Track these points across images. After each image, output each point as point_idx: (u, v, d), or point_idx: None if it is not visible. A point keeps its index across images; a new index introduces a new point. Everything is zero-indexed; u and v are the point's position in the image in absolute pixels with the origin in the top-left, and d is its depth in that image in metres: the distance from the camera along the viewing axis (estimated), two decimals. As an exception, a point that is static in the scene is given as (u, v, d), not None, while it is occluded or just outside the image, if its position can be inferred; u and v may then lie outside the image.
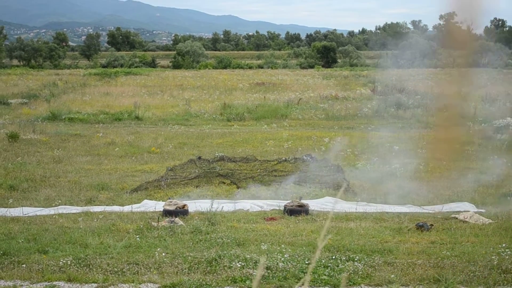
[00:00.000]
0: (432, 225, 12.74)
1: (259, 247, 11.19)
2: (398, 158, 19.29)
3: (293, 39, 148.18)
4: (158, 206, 14.24)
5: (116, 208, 14.31)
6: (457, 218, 13.44)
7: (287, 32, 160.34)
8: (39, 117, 30.57)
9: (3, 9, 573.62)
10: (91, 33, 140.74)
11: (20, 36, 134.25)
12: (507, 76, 53.69)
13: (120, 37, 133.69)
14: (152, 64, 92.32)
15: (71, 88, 47.38)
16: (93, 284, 9.70)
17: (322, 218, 13.47)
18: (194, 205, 14.26)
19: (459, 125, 21.41)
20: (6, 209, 14.12)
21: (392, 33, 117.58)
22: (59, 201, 14.96)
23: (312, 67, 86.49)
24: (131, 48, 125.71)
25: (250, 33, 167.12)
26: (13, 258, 10.66)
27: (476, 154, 21.31)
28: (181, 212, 13.48)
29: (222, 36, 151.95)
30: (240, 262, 10.30)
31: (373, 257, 10.76)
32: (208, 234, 12.02)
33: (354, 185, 16.56)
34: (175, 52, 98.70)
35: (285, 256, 10.60)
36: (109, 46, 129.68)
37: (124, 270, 10.10)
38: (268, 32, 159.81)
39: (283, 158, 19.84)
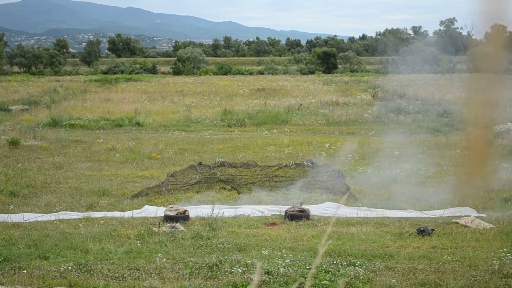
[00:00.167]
0: (433, 230, 12.74)
1: (260, 252, 11.19)
2: (398, 163, 19.29)
3: (293, 45, 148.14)
4: (159, 211, 14.25)
5: (117, 214, 14.31)
6: (458, 223, 13.44)
7: (288, 38, 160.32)
8: (40, 123, 30.58)
9: (4, 16, 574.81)
10: (92, 39, 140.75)
11: (21, 43, 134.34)
12: (508, 81, 53.63)
13: (121, 43, 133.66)
14: (153, 70, 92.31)
15: (72, 94, 47.41)
16: (94, 289, 9.70)
17: (323, 223, 13.48)
18: (195, 211, 14.26)
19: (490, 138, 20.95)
20: (7, 215, 14.13)
21: (392, 38, 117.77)
22: (60, 207, 14.96)
23: (312, 73, 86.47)
24: (132, 55, 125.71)
25: (251, 39, 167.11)
26: (14, 264, 10.66)
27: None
28: (182, 217, 13.48)
29: (222, 42, 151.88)
30: (241, 267, 10.30)
31: (374, 262, 10.75)
32: (209, 239, 12.02)
33: (355, 190, 16.56)
34: (175, 58, 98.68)
35: (286, 261, 10.60)
36: (110, 53, 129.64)
37: (125, 275, 10.10)
38: (268, 38, 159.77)
39: (284, 164, 19.84)
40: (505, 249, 11.26)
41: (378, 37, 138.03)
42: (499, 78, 18.17)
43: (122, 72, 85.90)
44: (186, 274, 10.11)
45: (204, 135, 28.07)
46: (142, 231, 12.57)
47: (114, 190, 16.77)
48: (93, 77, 69.30)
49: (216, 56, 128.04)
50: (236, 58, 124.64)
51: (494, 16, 15.93)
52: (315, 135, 28.02)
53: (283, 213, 14.07)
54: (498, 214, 14.29)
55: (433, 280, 10.01)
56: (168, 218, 13.35)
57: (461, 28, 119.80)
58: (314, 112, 34.95)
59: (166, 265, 10.47)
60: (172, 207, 13.89)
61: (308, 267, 10.35)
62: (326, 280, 9.91)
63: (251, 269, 10.30)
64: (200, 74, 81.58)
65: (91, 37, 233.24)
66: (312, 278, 9.80)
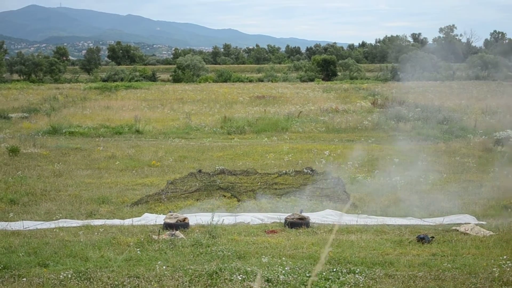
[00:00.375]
0: (433, 237, 12.73)
1: (260, 260, 11.18)
2: (398, 170, 19.30)
3: (293, 52, 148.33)
4: (158, 219, 14.24)
5: (116, 222, 14.30)
6: (458, 230, 13.43)
7: (287, 46, 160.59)
8: (40, 131, 30.60)
9: (4, 23, 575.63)
10: (91, 47, 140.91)
11: (21, 50, 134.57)
12: (507, 89, 53.72)
13: (120, 51, 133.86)
14: (153, 78, 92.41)
15: (72, 102, 47.48)
16: (93, 297, 9.68)
17: (323, 230, 13.46)
18: (195, 218, 14.25)
19: None
20: (7, 223, 14.12)
21: (392, 46, 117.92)
22: (60, 214, 14.96)
23: (312, 80, 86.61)
24: (131, 62, 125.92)
25: (250, 47, 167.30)
26: (14, 271, 10.64)
27: (477, 166, 21.30)
28: (182, 225, 13.47)
29: (222, 49, 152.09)
30: (241, 275, 10.28)
31: (374, 269, 10.74)
32: (208, 247, 12.01)
33: (355, 197, 16.55)
34: (175, 66, 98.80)
35: (286, 268, 10.59)
36: (109, 60, 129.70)
37: (124, 283, 10.09)
38: (268, 45, 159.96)
39: (284, 171, 19.84)
40: (505, 257, 11.25)
41: (378, 44, 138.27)
42: None
43: (122, 79, 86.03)
44: (186, 282, 10.10)
45: (204, 142, 28.08)
46: (142, 239, 12.56)
47: (114, 198, 16.76)
48: (93, 85, 69.43)
49: (215, 64, 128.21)
50: (235, 65, 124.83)
51: None
52: (314, 142, 28.03)
53: (283, 221, 14.06)
54: (498, 221, 14.28)
55: (433, 287, 10.01)
56: (167, 226, 13.34)
57: (461, 35, 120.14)
58: (313, 120, 34.99)
59: (165, 272, 10.46)
60: (171, 215, 13.88)
61: (308, 275, 10.34)
62: (326, 287, 9.91)
63: (251, 276, 10.29)
64: (199, 82, 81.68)
65: (90, 44, 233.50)
66: (312, 286, 9.79)
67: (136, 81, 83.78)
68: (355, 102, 44.81)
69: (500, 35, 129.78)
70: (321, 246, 12.13)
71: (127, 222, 14.20)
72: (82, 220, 14.50)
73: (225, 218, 14.22)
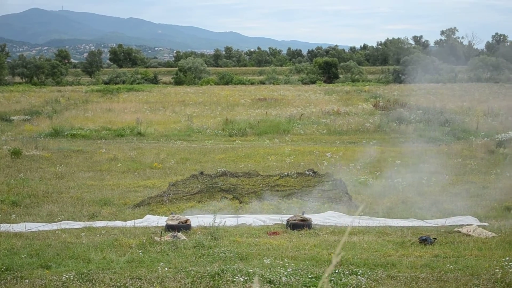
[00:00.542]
0: (435, 238, 12.71)
1: (262, 262, 11.17)
2: (400, 172, 19.29)
3: (294, 55, 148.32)
4: (160, 221, 14.24)
5: (118, 223, 14.30)
6: (460, 232, 13.41)
7: (289, 48, 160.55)
8: (42, 133, 30.64)
9: (5, 26, 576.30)
10: (93, 50, 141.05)
11: (23, 53, 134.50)
12: (509, 91, 53.74)
13: (122, 54, 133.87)
14: (154, 81, 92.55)
15: (73, 104, 47.52)
16: (96, 299, 9.68)
17: (324, 232, 13.45)
18: (197, 220, 14.25)
19: None
20: (9, 224, 14.12)
21: (393, 48, 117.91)
22: (62, 216, 14.96)
23: (314, 82, 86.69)
24: (133, 65, 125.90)
25: (252, 49, 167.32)
26: (16, 273, 10.64)
27: (479, 168, 21.29)
28: (184, 227, 13.46)
29: (223, 52, 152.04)
30: (243, 277, 10.27)
31: (376, 271, 10.72)
32: (211, 248, 12.00)
33: (357, 199, 16.55)
34: (177, 68, 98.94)
35: (288, 270, 10.57)
36: (111, 63, 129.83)
37: (127, 285, 10.08)
38: (269, 48, 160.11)
39: (285, 173, 19.84)
40: (507, 258, 11.22)
41: (379, 46, 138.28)
42: None
43: (124, 82, 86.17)
44: (188, 283, 10.09)
45: (206, 144, 28.09)
46: (144, 241, 12.55)
47: (116, 200, 16.77)
48: (94, 87, 69.54)
49: (217, 66, 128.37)
50: (237, 68, 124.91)
51: None
52: (316, 144, 28.03)
53: (285, 222, 14.05)
54: (501, 223, 14.27)
55: (436, 289, 9.99)
56: (169, 228, 13.34)
57: (462, 37, 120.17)
58: (315, 122, 34.99)
59: (168, 274, 10.45)
60: (173, 217, 13.88)
61: (310, 276, 10.33)
62: (328, 289, 9.90)
63: (253, 278, 10.28)
64: (201, 84, 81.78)
65: (92, 47, 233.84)
66: None
67: (138, 83, 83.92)
68: (356, 104, 44.83)
69: (501, 37, 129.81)
70: (323, 248, 12.12)
71: (129, 224, 14.20)
72: (84, 222, 14.49)
73: (227, 220, 14.22)
